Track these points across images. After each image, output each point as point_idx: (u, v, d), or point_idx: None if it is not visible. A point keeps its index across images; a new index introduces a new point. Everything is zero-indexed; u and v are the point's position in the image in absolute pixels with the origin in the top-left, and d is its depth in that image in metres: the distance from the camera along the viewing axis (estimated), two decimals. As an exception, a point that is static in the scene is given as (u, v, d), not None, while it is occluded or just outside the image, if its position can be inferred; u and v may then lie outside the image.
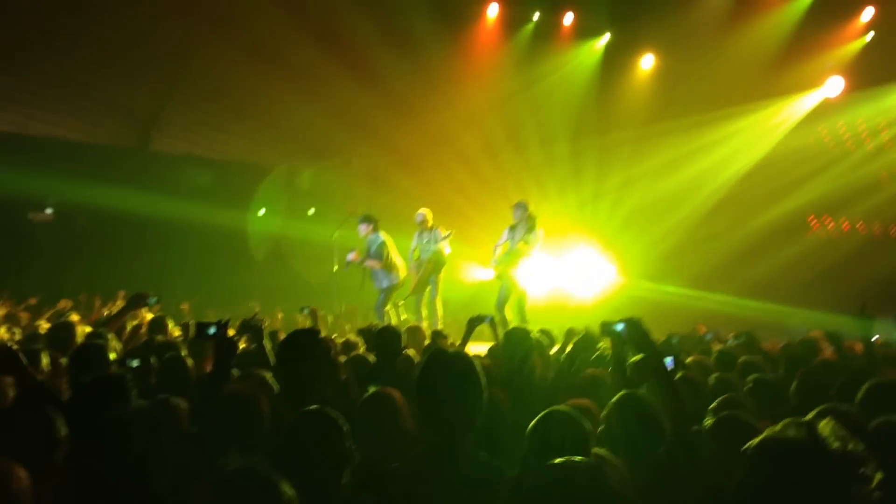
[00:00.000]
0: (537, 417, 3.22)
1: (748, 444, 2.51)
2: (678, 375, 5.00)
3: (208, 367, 5.51)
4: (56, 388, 4.61)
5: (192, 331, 5.86)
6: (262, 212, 12.03)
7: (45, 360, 4.91)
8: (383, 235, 11.66)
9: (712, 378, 5.40)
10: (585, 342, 6.33)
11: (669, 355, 4.73)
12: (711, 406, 4.31)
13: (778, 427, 2.46)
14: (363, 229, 11.66)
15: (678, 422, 3.61)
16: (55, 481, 2.73)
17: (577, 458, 2.38)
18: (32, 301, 11.51)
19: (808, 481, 2.33)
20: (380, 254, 11.48)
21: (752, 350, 7.33)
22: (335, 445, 3.11)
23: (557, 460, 2.38)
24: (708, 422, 3.94)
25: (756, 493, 2.38)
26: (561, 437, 3.10)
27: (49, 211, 19.57)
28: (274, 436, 3.32)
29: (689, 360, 6.25)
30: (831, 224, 17.11)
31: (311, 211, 12.31)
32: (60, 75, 17.12)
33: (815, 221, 17.09)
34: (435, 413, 3.09)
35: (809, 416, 3.03)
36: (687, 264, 15.99)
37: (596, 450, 3.23)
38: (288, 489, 2.36)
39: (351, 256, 11.60)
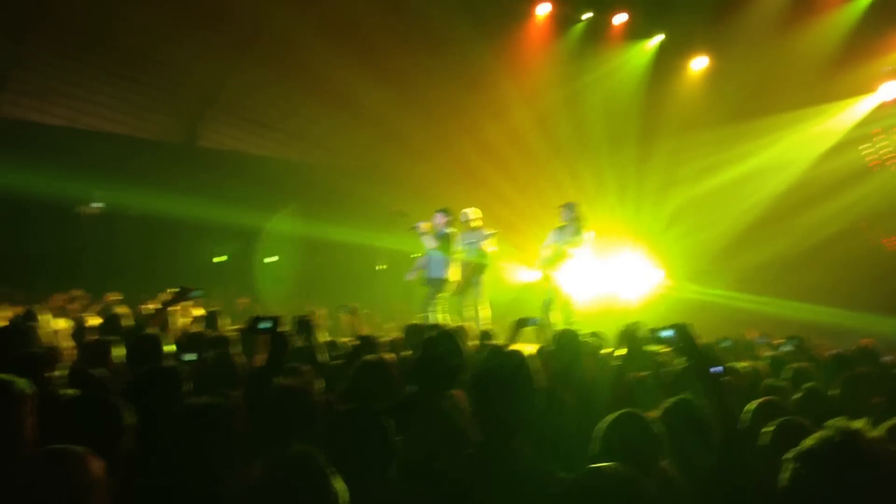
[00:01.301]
0: (610, 418, 3.21)
1: (795, 449, 2.48)
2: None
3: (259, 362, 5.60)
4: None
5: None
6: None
7: (115, 352, 5.01)
8: (452, 232, 11.60)
9: (763, 385, 5.33)
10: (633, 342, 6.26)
11: (718, 361, 4.68)
12: (749, 407, 4.21)
13: (825, 431, 2.42)
14: (438, 218, 11.57)
15: (728, 428, 3.59)
16: (121, 471, 2.79)
17: (613, 465, 2.36)
18: (78, 293, 11.68)
19: (854, 488, 2.29)
20: (445, 243, 11.38)
21: (803, 356, 7.20)
22: (377, 440, 3.14)
23: (595, 466, 2.38)
24: (767, 429, 3.87)
25: (800, 499, 2.35)
26: (633, 441, 3.07)
27: (97, 205, 19.88)
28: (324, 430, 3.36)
29: (739, 365, 6.16)
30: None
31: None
32: (111, 71, 17.42)
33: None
34: (488, 410, 3.12)
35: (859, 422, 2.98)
36: (735, 267, 15.82)
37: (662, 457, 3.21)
38: (336, 478, 2.39)
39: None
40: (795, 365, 6.23)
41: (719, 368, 4.77)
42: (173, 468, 2.87)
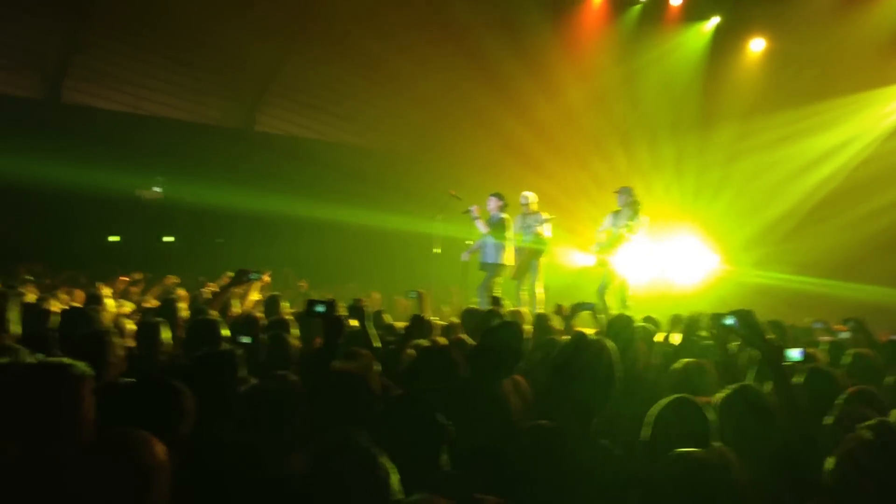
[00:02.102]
0: (660, 404, 3.19)
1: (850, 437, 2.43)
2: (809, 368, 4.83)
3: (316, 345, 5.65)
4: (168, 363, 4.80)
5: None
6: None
7: (165, 334, 5.09)
8: (506, 217, 11.60)
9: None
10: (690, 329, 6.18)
11: (785, 347, 4.59)
12: (838, 401, 4.09)
13: (867, 425, 2.36)
14: (492, 203, 11.60)
15: (795, 417, 3.52)
16: (181, 454, 2.82)
17: (703, 451, 2.36)
18: (137, 276, 11.88)
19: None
20: (499, 227, 11.39)
21: (863, 341, 6.98)
22: (428, 425, 3.13)
23: (683, 451, 2.37)
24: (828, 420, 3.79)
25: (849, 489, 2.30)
26: (685, 425, 3.07)
27: (157, 189, 20.20)
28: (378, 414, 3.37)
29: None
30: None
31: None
32: (169, 56, 17.66)
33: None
34: (568, 395, 3.13)
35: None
36: (797, 250, 15.52)
37: (714, 443, 3.18)
38: (385, 461, 2.40)
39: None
40: (853, 351, 6.06)
41: (800, 352, 4.69)
42: (229, 452, 2.89)
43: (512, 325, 4.37)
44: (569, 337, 5.65)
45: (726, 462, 2.36)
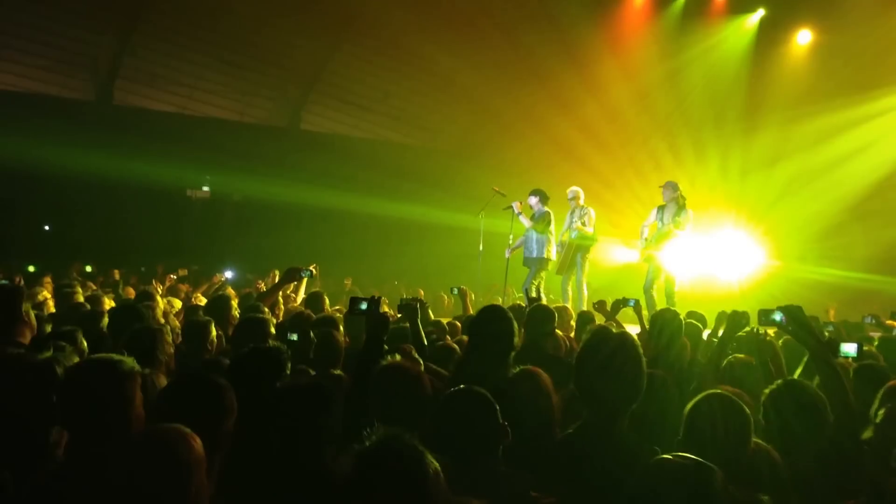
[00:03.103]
0: (695, 400, 3.12)
1: None
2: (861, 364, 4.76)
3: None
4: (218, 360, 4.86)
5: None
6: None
7: (213, 333, 5.17)
8: (549, 211, 11.59)
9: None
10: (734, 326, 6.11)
11: (834, 343, 4.52)
12: (880, 394, 4.02)
13: None
14: (532, 200, 11.60)
15: (845, 415, 3.47)
16: (225, 450, 2.87)
17: (684, 458, 2.31)
18: (182, 272, 12.05)
19: None
20: (541, 222, 11.39)
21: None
22: (490, 422, 3.11)
23: (663, 457, 2.34)
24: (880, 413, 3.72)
25: None
26: (722, 422, 2.99)
27: (206, 188, 20.49)
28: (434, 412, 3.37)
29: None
30: None
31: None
32: (217, 57, 17.91)
33: None
34: (592, 390, 3.10)
35: None
36: (843, 245, 15.25)
37: (755, 440, 3.13)
38: (433, 461, 2.38)
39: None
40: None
41: (854, 347, 4.62)
42: (272, 448, 2.94)
43: (543, 307, 4.36)
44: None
45: (709, 471, 2.30)
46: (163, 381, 3.92)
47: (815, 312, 8.84)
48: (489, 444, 3.08)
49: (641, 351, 3.14)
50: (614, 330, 3.37)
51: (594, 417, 3.10)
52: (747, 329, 5.62)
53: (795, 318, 3.81)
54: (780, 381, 3.64)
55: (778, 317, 3.89)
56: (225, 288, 10.75)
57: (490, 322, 4.29)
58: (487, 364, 4.10)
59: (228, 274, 13.93)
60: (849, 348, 4.62)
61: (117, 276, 13.60)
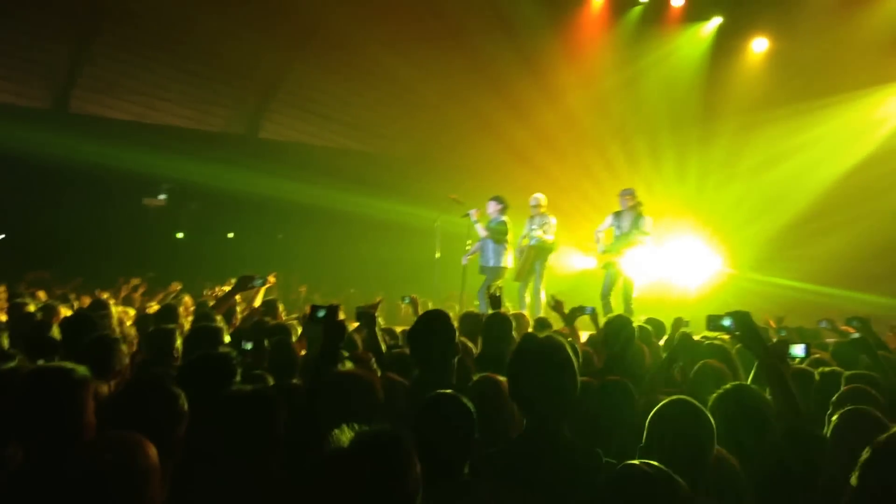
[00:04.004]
0: (658, 406, 3.12)
1: (873, 443, 2.38)
2: (806, 362, 4.84)
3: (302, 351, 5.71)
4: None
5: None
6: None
7: (178, 340, 5.12)
8: (507, 220, 11.63)
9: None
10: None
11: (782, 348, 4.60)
12: (834, 399, 4.07)
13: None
14: (491, 206, 11.63)
15: (790, 418, 3.53)
16: (177, 457, 2.86)
17: (647, 465, 2.34)
18: (136, 281, 11.94)
19: None
20: (498, 231, 11.42)
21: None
22: (470, 430, 3.06)
23: (628, 463, 2.36)
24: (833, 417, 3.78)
25: (876, 498, 2.26)
26: (685, 429, 2.99)
27: (162, 197, 20.32)
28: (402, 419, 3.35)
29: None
30: None
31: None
32: (175, 66, 17.77)
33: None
34: (526, 398, 3.12)
35: None
36: (799, 256, 15.48)
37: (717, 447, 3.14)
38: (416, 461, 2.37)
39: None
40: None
41: (803, 348, 4.70)
42: (218, 456, 2.92)
43: (501, 315, 4.38)
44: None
45: (671, 481, 2.33)
46: (104, 389, 3.88)
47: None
48: (466, 452, 3.05)
49: (572, 355, 3.15)
50: (540, 335, 3.38)
51: (532, 424, 3.11)
52: (702, 336, 5.72)
53: (744, 324, 3.88)
54: (727, 386, 3.69)
55: (727, 322, 3.96)
56: (182, 297, 10.66)
57: (426, 330, 4.30)
58: (431, 372, 4.13)
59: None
60: (797, 350, 4.70)
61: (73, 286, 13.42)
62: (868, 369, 5.42)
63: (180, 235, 17.86)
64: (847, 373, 4.99)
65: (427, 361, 4.23)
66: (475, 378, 4.05)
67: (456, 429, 3.03)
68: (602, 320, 7.14)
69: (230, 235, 18.71)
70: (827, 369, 4.90)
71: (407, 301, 8.55)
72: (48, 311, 7.39)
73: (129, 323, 7.62)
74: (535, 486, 2.93)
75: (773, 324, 8.91)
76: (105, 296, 9.54)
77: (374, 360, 4.99)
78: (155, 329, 5.62)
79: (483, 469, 3.12)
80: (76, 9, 16.05)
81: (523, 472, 2.99)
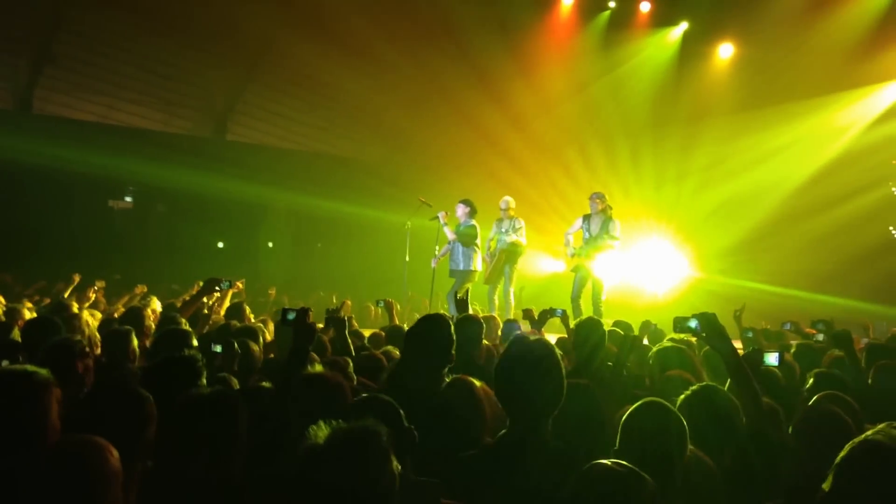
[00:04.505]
0: (631, 408, 3.14)
1: (845, 448, 2.39)
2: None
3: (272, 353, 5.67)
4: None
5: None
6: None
7: (134, 342, 5.06)
8: (476, 223, 11.64)
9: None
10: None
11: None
12: (811, 403, 4.15)
13: (874, 431, 2.33)
14: (460, 210, 11.63)
15: (757, 420, 3.55)
16: (145, 460, 2.82)
17: (618, 465, 2.35)
18: (101, 283, 11.79)
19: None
20: (467, 234, 11.43)
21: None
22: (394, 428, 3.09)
23: (597, 463, 2.37)
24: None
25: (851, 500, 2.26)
26: (658, 431, 3.01)
27: (128, 199, 20.13)
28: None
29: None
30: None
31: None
32: (141, 67, 17.61)
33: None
34: (512, 400, 3.12)
35: None
36: (766, 259, 15.68)
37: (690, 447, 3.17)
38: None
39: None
40: (831, 353, 6.17)
41: (775, 356, 4.75)
42: (181, 458, 2.89)
43: (433, 319, 4.37)
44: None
45: (640, 480, 2.34)
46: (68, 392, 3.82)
47: (730, 323, 9.08)
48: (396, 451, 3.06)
49: (560, 359, 3.17)
50: (534, 338, 3.39)
51: (516, 425, 3.11)
52: (667, 339, 5.76)
53: (710, 325, 3.90)
54: (694, 387, 3.72)
55: (693, 324, 3.98)
56: (150, 299, 10.53)
57: (430, 332, 4.26)
58: (424, 375, 4.09)
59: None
60: (772, 359, 4.76)
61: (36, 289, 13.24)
62: (840, 366, 5.53)
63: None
64: (811, 373, 5.09)
65: (420, 363, 4.18)
66: (447, 380, 4.04)
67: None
68: (572, 323, 7.18)
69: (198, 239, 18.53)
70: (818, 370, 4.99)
71: (381, 305, 8.55)
72: (10, 313, 7.28)
73: (94, 325, 7.54)
74: (518, 490, 2.93)
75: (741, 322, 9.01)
76: (73, 298, 9.40)
77: (350, 364, 4.96)
78: (109, 331, 5.55)
79: (461, 472, 3.12)
80: (38, 10, 15.84)
81: (506, 475, 3.00)
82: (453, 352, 4.26)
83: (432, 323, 4.34)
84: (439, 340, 4.19)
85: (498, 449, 3.14)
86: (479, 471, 3.09)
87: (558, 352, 3.19)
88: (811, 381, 4.89)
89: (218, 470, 2.89)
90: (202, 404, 3.01)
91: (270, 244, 19.11)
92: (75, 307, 7.23)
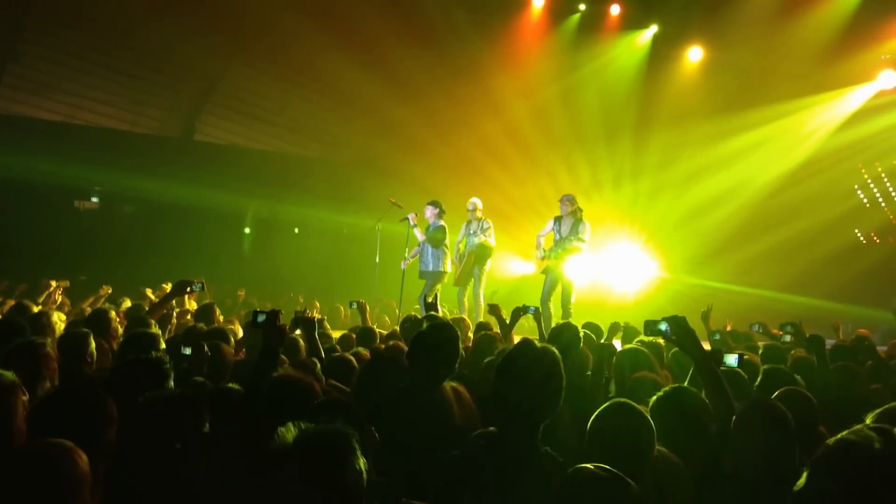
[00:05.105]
0: (599, 410, 3.16)
1: (819, 450, 2.41)
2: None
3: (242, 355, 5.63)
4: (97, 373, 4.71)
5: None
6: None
7: (91, 345, 4.97)
8: (445, 224, 11.63)
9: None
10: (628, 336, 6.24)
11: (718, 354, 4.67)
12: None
13: (850, 431, 2.35)
14: (429, 211, 11.63)
15: (724, 418, 3.58)
16: (106, 463, 2.78)
17: (598, 468, 2.36)
18: (64, 284, 11.64)
19: (885, 494, 2.22)
20: (435, 237, 11.43)
21: (802, 344, 7.12)
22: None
23: (580, 466, 2.38)
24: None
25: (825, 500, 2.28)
26: (625, 432, 3.03)
27: (95, 199, 19.89)
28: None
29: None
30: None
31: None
32: (108, 66, 17.40)
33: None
34: (511, 401, 3.10)
35: (870, 417, 2.92)
36: (733, 259, 15.84)
37: (659, 447, 3.18)
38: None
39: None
40: (795, 353, 6.25)
41: (735, 357, 4.80)
42: (143, 460, 2.86)
43: (443, 326, 4.29)
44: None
45: (623, 484, 2.36)
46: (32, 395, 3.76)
47: (699, 324, 9.14)
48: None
49: (561, 366, 3.17)
50: (542, 345, 3.35)
51: (510, 428, 3.11)
52: (636, 340, 5.79)
53: (680, 328, 3.93)
54: (666, 388, 3.75)
55: (663, 327, 4.00)
56: (123, 300, 10.38)
57: (439, 343, 4.10)
58: (424, 382, 4.01)
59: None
60: (731, 360, 4.81)
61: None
62: (804, 367, 5.60)
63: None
64: (765, 366, 5.17)
65: (425, 370, 4.05)
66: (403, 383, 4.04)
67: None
68: (542, 325, 7.20)
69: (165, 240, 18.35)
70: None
71: (354, 306, 8.52)
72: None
73: (61, 327, 7.43)
74: (504, 493, 2.93)
75: (728, 327, 9.11)
76: (37, 300, 9.27)
77: (318, 365, 4.93)
78: (66, 333, 5.46)
79: (442, 473, 3.11)
80: (2, 10, 15.60)
81: (493, 478, 3.00)
82: (457, 364, 4.16)
83: (441, 333, 4.17)
84: (447, 352, 4.06)
85: (486, 451, 3.12)
86: (463, 472, 3.09)
87: (560, 359, 3.18)
88: (760, 377, 4.96)
89: (180, 471, 2.86)
90: (163, 405, 2.98)
91: (240, 245, 18.97)
92: (35, 308, 7.12)
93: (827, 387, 5.34)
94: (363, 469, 2.39)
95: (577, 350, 5.58)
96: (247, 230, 19.11)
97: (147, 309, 7.38)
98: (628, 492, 2.35)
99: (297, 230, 18.88)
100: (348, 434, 2.40)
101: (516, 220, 14.93)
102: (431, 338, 4.09)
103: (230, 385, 4.25)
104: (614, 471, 2.39)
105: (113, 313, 6.40)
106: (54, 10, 15.70)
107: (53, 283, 10.22)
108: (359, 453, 2.38)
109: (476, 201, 11.94)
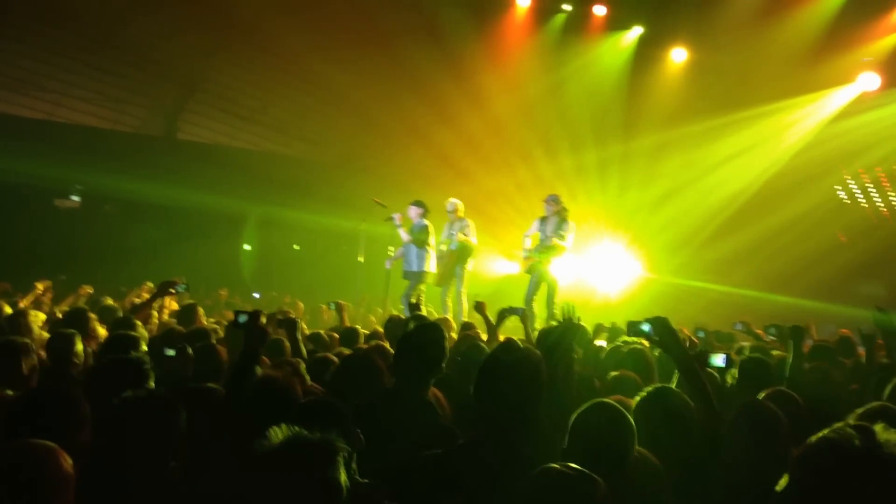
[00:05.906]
0: (580, 409, 3.13)
1: (801, 449, 2.41)
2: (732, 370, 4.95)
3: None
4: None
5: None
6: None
7: (79, 345, 4.93)
8: (429, 224, 11.61)
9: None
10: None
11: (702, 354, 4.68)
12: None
13: (831, 430, 2.35)
14: (412, 211, 11.60)
15: (708, 420, 3.58)
16: (79, 463, 2.75)
17: (568, 467, 2.36)
18: (46, 283, 11.55)
19: (866, 492, 2.22)
20: (420, 237, 11.41)
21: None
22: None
23: (548, 466, 2.37)
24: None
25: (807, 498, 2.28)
26: (606, 431, 3.02)
27: (75, 198, 19.75)
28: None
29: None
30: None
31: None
32: (89, 63, 17.28)
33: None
34: (492, 405, 3.11)
35: (852, 416, 2.92)
36: (716, 259, 15.90)
37: (638, 448, 3.18)
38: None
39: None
40: (777, 353, 6.28)
41: (723, 358, 4.81)
42: (118, 460, 2.84)
43: (430, 327, 4.26)
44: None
45: (591, 481, 2.35)
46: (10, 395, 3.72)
47: (684, 323, 9.18)
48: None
49: (544, 368, 3.17)
50: (524, 346, 3.35)
51: (492, 428, 3.11)
52: (620, 340, 5.80)
53: (663, 329, 3.93)
54: (649, 388, 3.75)
55: (646, 327, 4.00)
56: (104, 299, 10.29)
57: (425, 344, 4.02)
58: (412, 382, 3.94)
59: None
60: (718, 360, 4.81)
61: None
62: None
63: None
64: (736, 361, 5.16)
65: (411, 372, 3.98)
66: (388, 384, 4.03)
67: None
68: (527, 325, 7.20)
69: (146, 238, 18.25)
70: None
71: (332, 307, 8.50)
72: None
73: (39, 326, 7.36)
74: (481, 492, 2.92)
75: (686, 332, 9.10)
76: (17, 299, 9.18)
77: (303, 365, 4.91)
78: (54, 334, 5.41)
79: (423, 475, 3.10)
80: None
81: (471, 477, 2.99)
82: (444, 365, 4.09)
83: (427, 333, 4.11)
84: (434, 353, 3.99)
85: (467, 452, 3.12)
86: (443, 473, 3.08)
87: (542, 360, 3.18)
88: (736, 372, 4.98)
89: (155, 471, 2.84)
90: (137, 406, 2.95)
91: (222, 244, 18.86)
92: (7, 308, 7.05)
93: (799, 372, 5.35)
94: (344, 475, 2.37)
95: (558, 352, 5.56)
96: (229, 230, 18.98)
97: (129, 309, 7.34)
98: (596, 490, 2.34)
99: (280, 230, 18.78)
100: (332, 439, 2.39)
101: (499, 219, 14.94)
102: (418, 338, 4.05)
103: (210, 385, 4.24)
104: (582, 469, 2.38)
105: (93, 315, 6.35)
106: (35, 6, 15.58)
107: (40, 287, 10.09)
108: (342, 458, 2.37)
109: (455, 202, 11.90)
